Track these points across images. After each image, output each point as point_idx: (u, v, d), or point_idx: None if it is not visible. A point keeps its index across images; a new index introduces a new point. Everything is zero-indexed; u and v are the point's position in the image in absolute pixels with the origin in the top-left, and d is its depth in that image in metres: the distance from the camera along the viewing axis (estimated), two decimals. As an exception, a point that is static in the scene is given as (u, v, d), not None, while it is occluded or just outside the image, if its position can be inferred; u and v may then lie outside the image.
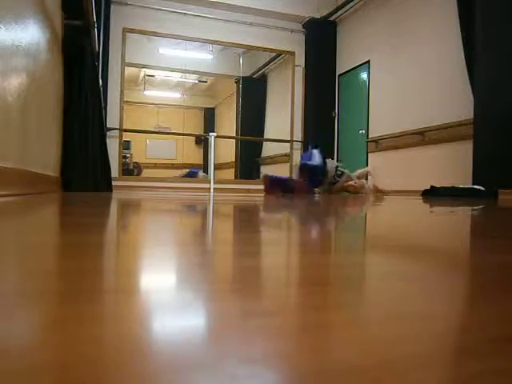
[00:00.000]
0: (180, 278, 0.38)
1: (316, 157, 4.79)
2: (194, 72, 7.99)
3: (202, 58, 7.42)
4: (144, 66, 7.70)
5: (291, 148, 6.98)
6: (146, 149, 8.72)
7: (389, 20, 5.57)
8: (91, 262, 0.45)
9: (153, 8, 6.05)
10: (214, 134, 5.60)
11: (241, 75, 7.99)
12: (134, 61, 6.63)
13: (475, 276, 0.44)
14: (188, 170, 7.99)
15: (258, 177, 8.01)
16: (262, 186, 6.71)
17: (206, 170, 8.14)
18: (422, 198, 3.63)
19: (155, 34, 6.22)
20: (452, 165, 4.45)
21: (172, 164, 8.65)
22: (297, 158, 6.98)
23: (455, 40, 4.39)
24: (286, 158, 7.06)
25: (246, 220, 1.19)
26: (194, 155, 8.91)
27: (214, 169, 5.67)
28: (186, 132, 8.39)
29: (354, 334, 0.24)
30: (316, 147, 4.98)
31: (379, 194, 4.94)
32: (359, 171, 5.16)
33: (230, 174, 8.19)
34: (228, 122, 8.55)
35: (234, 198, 3.12)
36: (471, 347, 0.22)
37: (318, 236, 0.81)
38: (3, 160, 1.94)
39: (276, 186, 4.62)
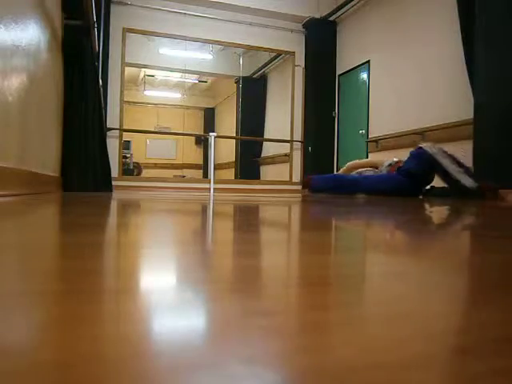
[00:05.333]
0: (180, 278, 0.38)
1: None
2: (193, 72, 7.99)
3: (202, 57, 7.42)
4: (144, 66, 7.69)
5: (291, 148, 6.97)
6: (145, 149, 8.72)
7: (389, 20, 5.57)
8: (92, 262, 0.45)
9: (153, 8, 6.05)
10: (214, 133, 5.59)
11: (241, 75, 7.99)
12: (134, 61, 6.63)
13: (475, 276, 0.44)
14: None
15: (258, 177, 8.01)
16: (261, 186, 6.74)
17: (205, 171, 8.15)
18: (423, 198, 3.63)
19: (155, 34, 6.22)
20: (452, 165, 4.44)
21: (172, 164, 8.65)
22: (297, 158, 6.99)
23: (455, 40, 4.38)
24: (286, 157, 7.06)
25: (246, 220, 1.18)
26: (194, 155, 8.91)
27: (214, 169, 5.67)
28: (185, 132, 8.39)
29: (353, 333, 0.24)
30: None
31: None
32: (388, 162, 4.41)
33: (230, 173, 8.19)
34: (228, 121, 8.55)
35: (234, 198, 3.12)
36: (472, 347, 0.22)
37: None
38: (3, 160, 1.94)
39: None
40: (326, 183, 4.36)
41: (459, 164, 3.78)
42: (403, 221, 1.27)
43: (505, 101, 3.56)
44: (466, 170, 3.72)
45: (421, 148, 3.97)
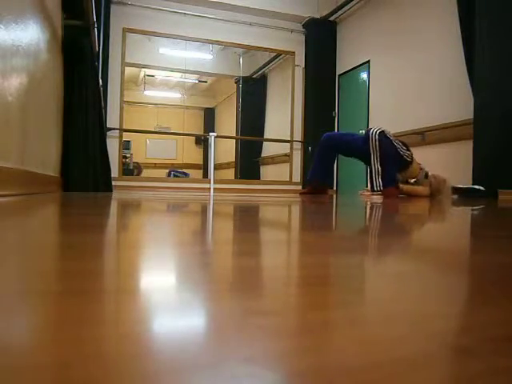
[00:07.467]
0: (180, 278, 0.38)
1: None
2: (193, 72, 7.98)
3: (202, 58, 7.42)
4: (144, 66, 7.69)
5: (291, 148, 6.97)
6: (145, 149, 8.72)
7: (389, 20, 5.57)
8: (92, 262, 0.45)
9: (153, 8, 6.05)
10: (214, 133, 5.59)
11: (241, 75, 7.98)
12: (134, 61, 6.63)
13: (475, 276, 0.44)
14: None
15: (258, 177, 8.01)
16: (261, 186, 6.74)
17: (206, 171, 8.15)
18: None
19: (155, 34, 6.22)
20: (452, 165, 4.45)
21: (172, 164, 8.64)
22: (297, 158, 6.99)
23: (455, 40, 4.38)
24: (286, 157, 7.06)
25: (246, 220, 1.18)
26: (194, 155, 8.91)
27: (214, 169, 5.67)
28: (185, 132, 8.39)
29: (353, 333, 0.24)
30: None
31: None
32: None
33: (230, 173, 8.18)
34: (228, 121, 8.55)
35: (233, 198, 3.12)
36: (471, 347, 0.22)
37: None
38: (3, 160, 1.94)
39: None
40: None
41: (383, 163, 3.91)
42: (399, 218, 1.27)
43: (505, 101, 3.56)
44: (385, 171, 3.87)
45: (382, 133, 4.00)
